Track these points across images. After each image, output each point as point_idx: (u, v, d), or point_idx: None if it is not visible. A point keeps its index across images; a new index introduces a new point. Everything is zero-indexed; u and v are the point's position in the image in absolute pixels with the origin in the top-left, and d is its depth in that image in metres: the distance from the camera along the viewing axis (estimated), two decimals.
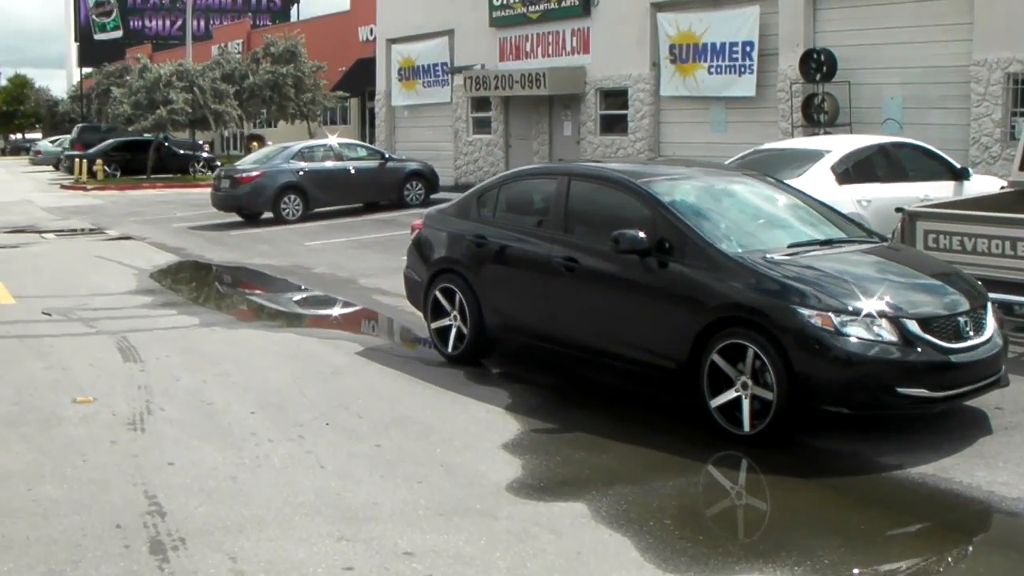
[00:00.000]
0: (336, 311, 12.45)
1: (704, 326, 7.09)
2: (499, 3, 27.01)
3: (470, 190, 9.68)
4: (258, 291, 14.12)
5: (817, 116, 19.82)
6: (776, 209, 8.22)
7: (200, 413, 7.47)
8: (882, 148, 13.11)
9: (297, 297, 13.48)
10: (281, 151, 22.63)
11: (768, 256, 7.21)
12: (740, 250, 7.27)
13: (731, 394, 6.99)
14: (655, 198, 7.74)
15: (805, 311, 6.67)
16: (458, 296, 9.06)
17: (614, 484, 6.12)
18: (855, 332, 6.60)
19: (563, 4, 25.15)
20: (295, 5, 55.23)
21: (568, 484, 6.14)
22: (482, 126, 28.02)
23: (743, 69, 21.53)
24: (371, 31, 37.13)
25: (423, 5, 29.58)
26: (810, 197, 8.79)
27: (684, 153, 22.37)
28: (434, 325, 9.36)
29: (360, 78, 37.38)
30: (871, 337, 6.60)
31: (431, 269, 9.40)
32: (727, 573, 4.97)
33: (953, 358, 6.74)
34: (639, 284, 7.54)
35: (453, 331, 9.16)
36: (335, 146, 23.36)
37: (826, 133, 19.31)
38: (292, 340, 10.23)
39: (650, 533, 5.39)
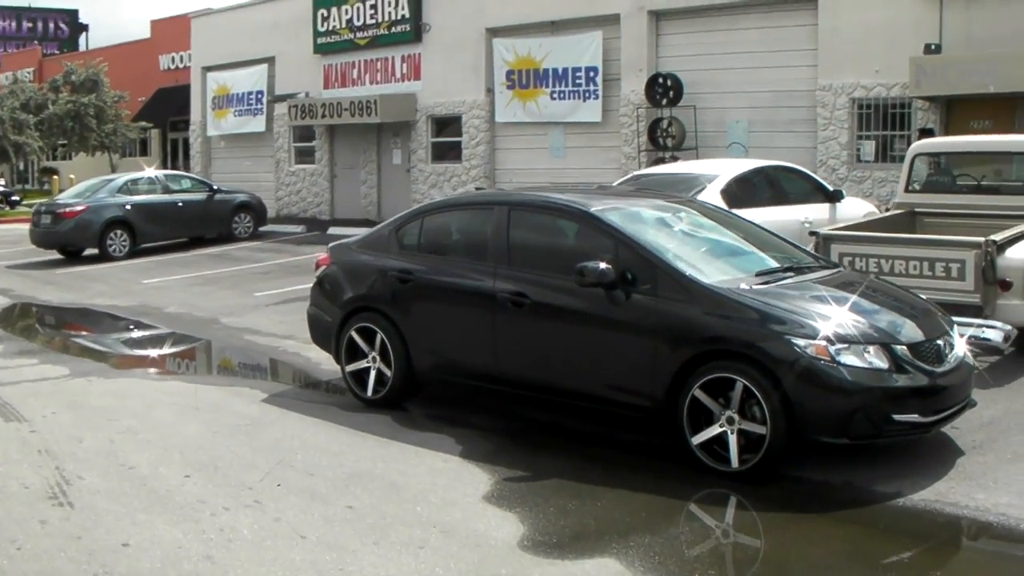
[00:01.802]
0: (217, 355, 11.42)
1: (685, 360, 6.68)
2: (324, 30, 26.18)
3: (385, 222, 8.96)
4: (117, 335, 12.85)
5: (663, 140, 19.98)
6: (727, 237, 7.91)
7: (127, 480, 6.49)
8: (762, 171, 13.17)
9: (165, 341, 12.32)
10: (104, 184, 21.10)
11: (745, 286, 6.87)
12: (714, 280, 6.90)
13: (714, 430, 6.61)
14: (617, 229, 7.29)
15: (800, 341, 6.36)
16: (379, 336, 8.34)
17: (630, 535, 5.63)
18: (850, 361, 6.34)
19: (393, 30, 24.58)
20: (84, 34, 52.32)
21: (582, 539, 5.59)
22: (305, 156, 27.04)
23: (588, 94, 21.51)
24: (173, 59, 35.51)
25: (243, 32, 28.38)
26: (750, 223, 8.55)
27: (522, 181, 22.17)
28: (350, 368, 8.60)
29: (162, 108, 35.66)
30: (865, 365, 6.36)
31: (345, 308, 8.64)
32: None
33: (940, 381, 6.58)
34: (605, 319, 7.06)
35: (373, 374, 8.43)
36: (161, 178, 22.00)
37: (673, 158, 19.50)
38: (184, 389, 9.25)
39: None
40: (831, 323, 6.50)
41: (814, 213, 12.63)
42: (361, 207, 24.97)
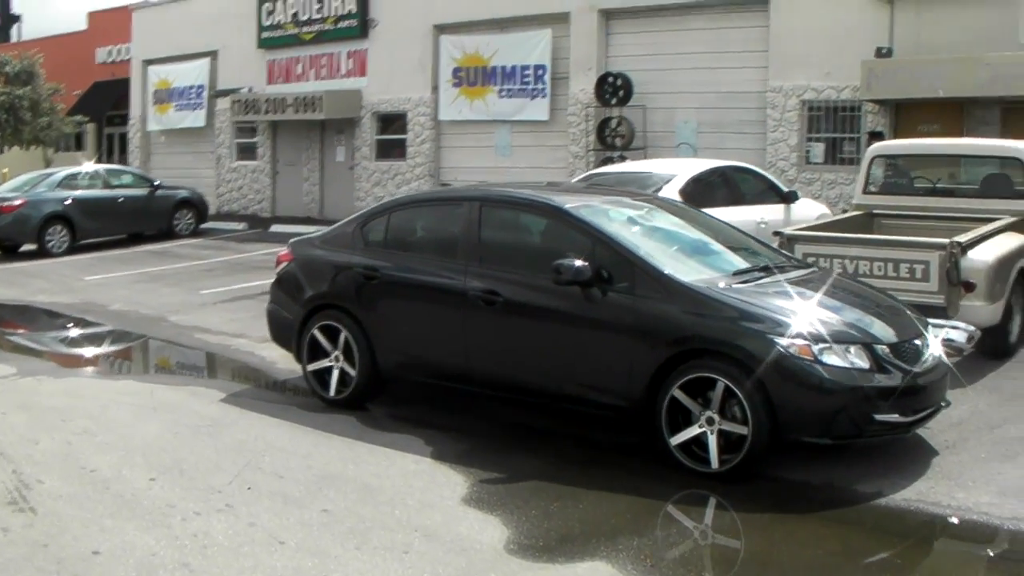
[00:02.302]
0: (169, 354, 11.08)
1: (664, 360, 6.58)
2: (269, 24, 25.76)
3: (349, 218, 8.72)
4: (62, 333, 12.43)
5: (612, 140, 19.93)
6: (699, 235, 7.81)
7: (89, 484, 6.22)
8: (719, 171, 13.14)
9: (114, 339, 11.93)
10: (43, 178, 20.52)
11: (723, 285, 6.79)
12: (693, 279, 6.80)
13: (694, 430, 6.52)
14: (592, 226, 7.16)
15: (783, 341, 6.29)
16: (343, 335, 8.13)
17: (617, 537, 5.51)
18: (832, 361, 6.29)
19: (340, 25, 24.26)
20: (16, 25, 50.92)
21: (568, 541, 5.46)
22: (247, 152, 26.57)
23: (536, 93, 21.39)
24: (110, 52, 34.72)
25: (185, 25, 27.80)
26: (719, 221, 8.49)
27: (467, 179, 22.00)
28: (311, 367, 8.37)
29: (99, 102, 34.83)
30: (847, 365, 6.30)
31: (307, 306, 8.41)
32: None
33: (919, 381, 6.55)
34: (581, 317, 6.93)
35: (335, 373, 8.22)
36: (101, 173, 21.46)
37: (621, 157, 19.48)
38: (139, 389, 8.94)
39: None
40: (813, 323, 6.44)
41: (769, 214, 12.64)
42: (303, 205, 24.61)
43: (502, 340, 7.32)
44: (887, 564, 5.43)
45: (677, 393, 6.53)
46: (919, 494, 6.19)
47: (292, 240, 9.07)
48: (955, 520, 5.85)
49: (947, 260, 9.05)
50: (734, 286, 6.82)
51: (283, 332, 8.73)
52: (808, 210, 13.72)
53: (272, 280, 8.94)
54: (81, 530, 5.41)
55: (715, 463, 6.42)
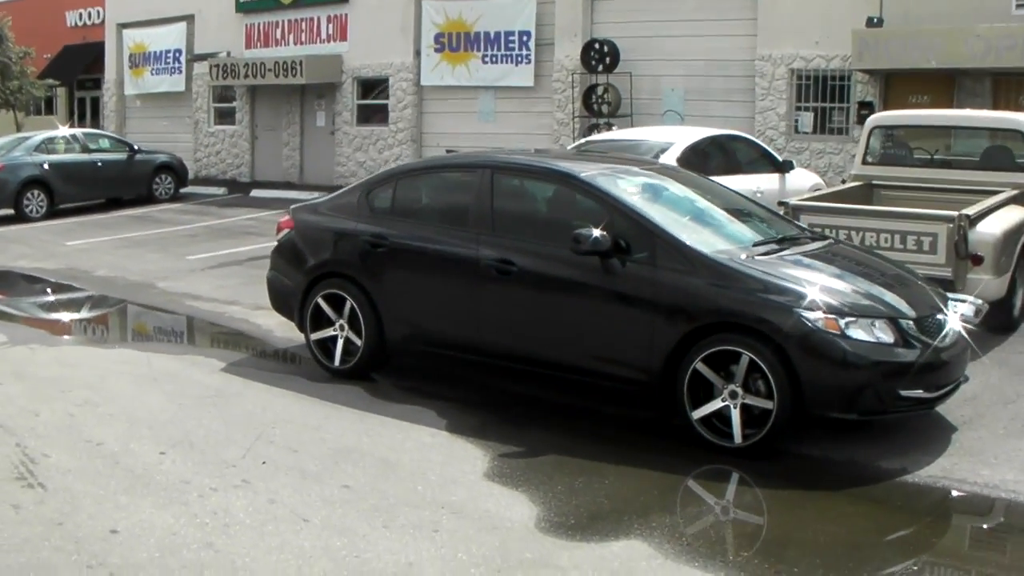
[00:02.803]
0: (162, 322, 10.84)
1: (686, 333, 6.44)
2: None
3: (353, 184, 8.52)
4: (49, 299, 12.13)
5: (599, 107, 19.75)
6: (712, 205, 7.65)
7: (98, 458, 6.02)
8: (716, 140, 13.01)
9: (103, 306, 11.66)
10: (20, 142, 20.08)
11: (745, 256, 6.66)
12: (715, 250, 6.66)
13: (716, 404, 6.40)
14: (612, 196, 7.00)
15: (810, 314, 6.17)
16: (349, 304, 7.94)
17: (649, 515, 5.40)
18: (858, 335, 6.18)
19: None
20: None
21: (599, 519, 5.33)
22: (225, 117, 26.11)
23: (520, 59, 21.16)
24: (81, 16, 33.99)
25: None
26: (730, 190, 8.35)
27: (450, 144, 21.75)
28: (315, 336, 8.18)
29: (69, 66, 34.12)
30: (872, 339, 6.20)
31: (310, 274, 8.20)
32: None
33: (943, 356, 6.46)
34: (600, 289, 6.77)
35: (340, 343, 8.04)
36: (79, 137, 21.03)
37: (608, 124, 19.32)
38: (135, 358, 8.71)
39: (742, 568, 4.67)
40: (839, 296, 6.34)
41: (764, 183, 12.54)
42: (283, 170, 24.27)
43: (516, 311, 7.16)
44: (920, 542, 5.38)
45: (700, 366, 6.40)
46: (944, 471, 6.12)
47: (293, 207, 8.86)
48: (983, 498, 5.78)
49: (955, 232, 8.95)
50: (756, 258, 6.69)
51: (284, 300, 8.53)
52: (802, 180, 13.63)
53: (272, 247, 8.70)
54: (95, 507, 5.22)
55: (738, 438, 6.31)
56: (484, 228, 7.34)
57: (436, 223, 7.77)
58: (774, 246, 7.03)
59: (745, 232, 7.24)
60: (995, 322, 9.33)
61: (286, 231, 8.52)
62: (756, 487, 5.94)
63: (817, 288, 6.37)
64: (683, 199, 7.51)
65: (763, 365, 6.20)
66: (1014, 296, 9.62)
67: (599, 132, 19.50)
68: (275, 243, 8.67)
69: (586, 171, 7.30)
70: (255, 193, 22.40)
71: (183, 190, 22.31)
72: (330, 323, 8.09)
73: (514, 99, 21.31)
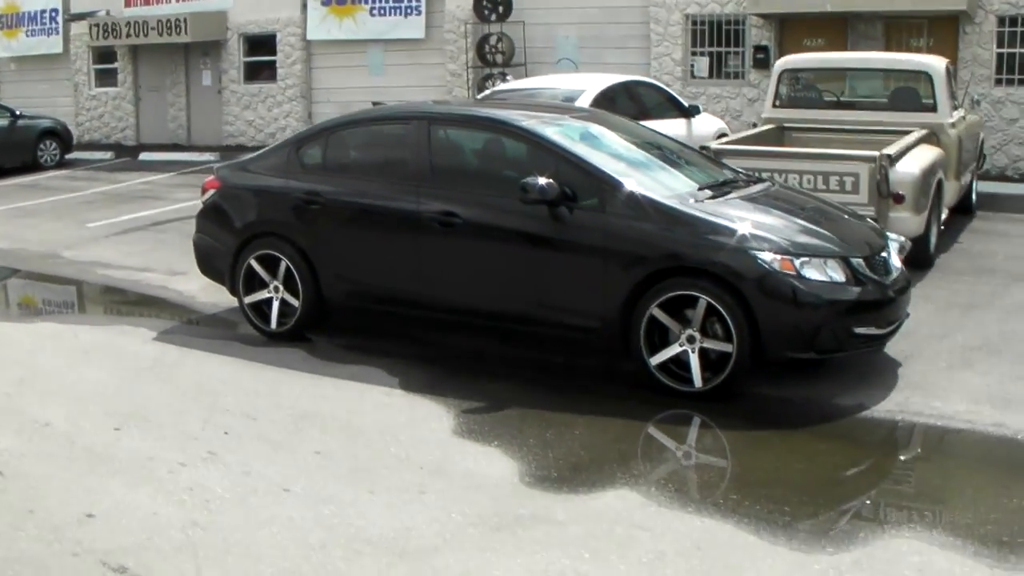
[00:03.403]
0: (79, 293, 10.35)
1: (640, 279, 6.44)
2: None
3: (280, 141, 8.24)
4: None
5: (492, 57, 19.58)
6: (650, 151, 7.63)
7: (49, 439, 5.72)
8: (625, 86, 13.05)
9: (12, 278, 11.07)
10: None
11: (692, 201, 6.66)
12: (663, 196, 6.65)
13: (673, 349, 6.43)
14: (556, 143, 6.93)
15: (765, 256, 6.23)
16: (284, 264, 7.72)
17: (629, 463, 5.47)
18: (813, 275, 6.26)
19: None
20: None
21: (581, 470, 5.33)
22: (107, 78, 25.00)
23: (409, 10, 20.79)
24: None
25: None
26: (663, 135, 8.36)
27: (341, 100, 21.33)
28: (249, 300, 7.95)
29: None
30: (825, 279, 6.29)
31: (240, 235, 7.93)
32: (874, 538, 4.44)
33: (890, 293, 6.60)
34: (549, 238, 6.71)
35: (275, 304, 7.82)
36: None
37: (502, 74, 19.20)
38: (60, 331, 8.33)
39: (745, 514, 4.74)
40: (791, 237, 6.41)
41: (671, 128, 12.57)
42: (170, 131, 23.46)
43: (461, 264, 7.06)
44: (894, 474, 5.54)
45: (656, 312, 6.41)
46: (899, 405, 6.28)
47: (217, 167, 8.54)
48: (942, 428, 5.97)
49: (877, 172, 9.16)
50: (705, 202, 6.71)
51: (213, 264, 8.25)
52: (707, 125, 13.78)
53: (198, 210, 8.39)
54: (63, 491, 4.96)
55: (698, 382, 6.35)
56: (423, 181, 7.20)
57: (372, 177, 7.58)
58: (718, 190, 7.05)
59: (686, 177, 7.24)
60: (914, 258, 9.60)
61: (211, 192, 8.21)
62: (721, 430, 6.01)
63: (769, 230, 6.43)
64: (621, 145, 7.47)
65: (721, 308, 6.23)
66: (930, 233, 9.90)
67: (493, 82, 19.41)
68: (200, 205, 8.33)
69: (526, 120, 7.21)
70: (144, 156, 21.62)
71: (68, 156, 21.37)
72: (263, 285, 7.86)
73: (404, 51, 20.95)
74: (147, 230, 13.10)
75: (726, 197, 6.91)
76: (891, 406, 6.27)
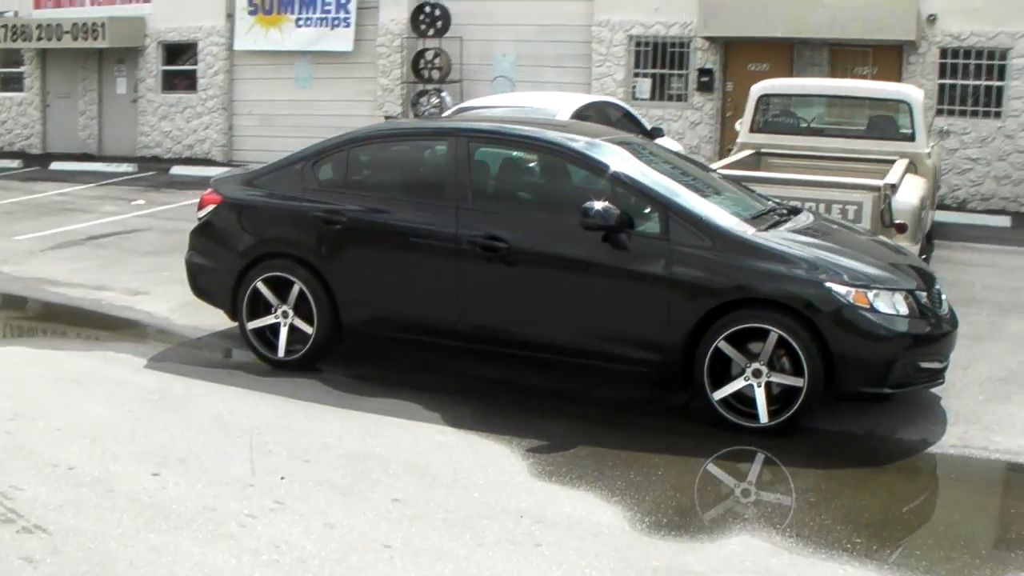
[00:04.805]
0: (39, 314, 9.52)
1: (709, 310, 6.13)
2: None
3: (290, 155, 7.65)
4: None
5: (428, 72, 19.16)
6: (693, 177, 7.31)
7: (83, 486, 5.07)
8: (593, 106, 12.77)
9: None
10: None
11: (756, 230, 6.39)
12: (728, 224, 6.35)
13: (738, 384, 6.14)
14: (613, 167, 6.57)
15: (840, 289, 5.99)
16: (296, 288, 7.17)
17: (729, 505, 5.26)
18: (884, 308, 6.06)
19: None
20: None
21: (688, 514, 5.05)
22: (12, 83, 23.62)
23: (337, 22, 20.20)
24: None
25: None
26: (691, 160, 8.09)
27: (264, 113, 20.67)
28: (253, 325, 7.36)
29: None
30: (894, 312, 6.10)
31: (247, 256, 7.34)
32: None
33: (946, 327, 6.45)
34: (606, 266, 6.35)
35: (283, 331, 7.26)
36: None
37: (437, 90, 18.83)
38: (35, 357, 7.59)
39: (880, 559, 4.48)
40: (860, 270, 6.20)
41: None
42: (80, 140, 22.27)
43: (506, 291, 6.65)
44: (1001, 515, 5.32)
45: (722, 345, 6.11)
46: (961, 440, 6.15)
47: (216, 180, 7.92)
48: (1016, 464, 5.87)
49: (880, 201, 9.04)
50: (769, 231, 6.44)
51: (211, 286, 7.64)
52: (669, 146, 13.58)
53: (194, 226, 7.78)
54: (125, 551, 4.35)
55: (764, 417, 6.08)
56: (462, 202, 6.76)
57: (401, 196, 7.11)
58: (769, 219, 6.80)
59: (736, 205, 6.96)
60: None
61: (211, 207, 7.60)
62: (799, 467, 5.72)
63: (839, 262, 6.20)
64: (666, 171, 7.12)
65: (794, 342, 5.98)
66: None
67: (428, 99, 19.00)
68: (196, 221, 7.72)
69: (575, 140, 6.83)
70: (55, 166, 20.46)
71: None
72: (268, 310, 7.29)
73: (334, 64, 20.34)
74: (84, 244, 12.28)
75: (783, 227, 6.65)
76: (954, 440, 6.13)
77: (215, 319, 8.13)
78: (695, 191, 6.79)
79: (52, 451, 5.54)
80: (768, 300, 6.06)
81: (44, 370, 7.17)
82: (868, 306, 6.00)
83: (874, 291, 6.06)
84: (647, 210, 6.38)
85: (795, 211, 7.30)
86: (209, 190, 7.71)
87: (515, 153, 7.11)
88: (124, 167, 19.88)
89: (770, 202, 7.36)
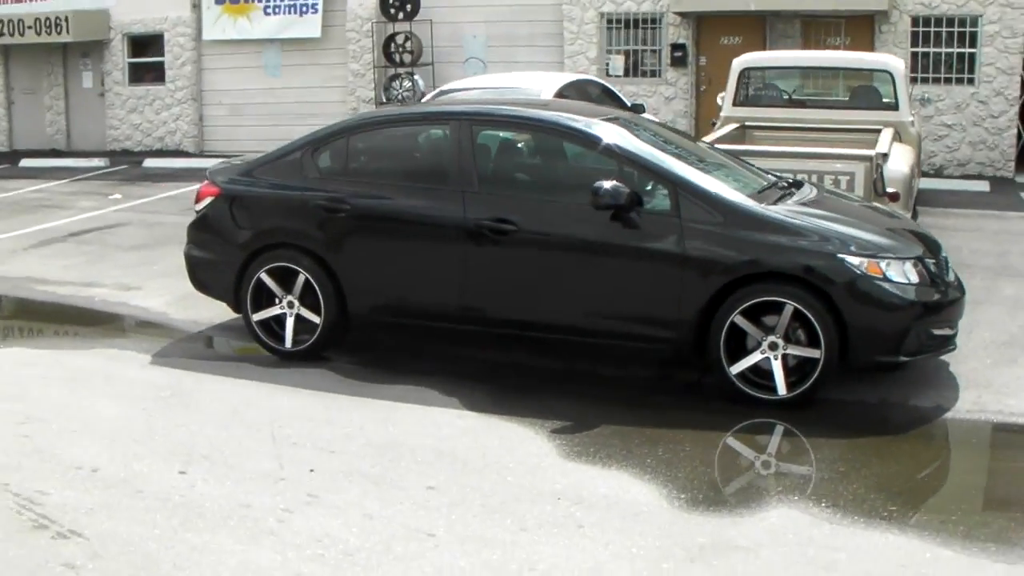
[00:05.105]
0: (31, 313, 9.35)
1: (722, 285, 6.14)
2: None
3: (288, 144, 7.56)
4: None
5: (399, 56, 19.05)
6: (695, 154, 7.31)
7: (111, 487, 4.99)
8: (575, 85, 12.71)
9: None
10: None
11: (765, 204, 6.40)
12: (738, 198, 6.36)
13: (755, 357, 6.16)
14: (621, 146, 6.55)
15: (853, 260, 6.02)
16: (302, 277, 7.10)
17: (759, 477, 5.31)
18: (896, 277, 6.09)
19: None
20: None
21: (722, 489, 5.15)
22: None
23: (305, 9, 20.00)
24: None
25: None
26: (687, 136, 8.07)
27: (234, 102, 20.45)
28: (258, 317, 7.28)
29: None
30: (907, 281, 6.14)
31: (249, 247, 7.26)
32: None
33: (955, 294, 6.50)
34: (618, 245, 6.34)
35: (290, 321, 7.20)
36: None
37: (409, 74, 18.74)
38: (37, 357, 7.46)
39: (919, 526, 4.54)
40: (870, 240, 6.23)
41: None
42: (47, 136, 21.94)
43: (517, 274, 6.62)
44: (1010, 475, 5.41)
45: (738, 319, 6.12)
46: (976, 405, 6.21)
47: (212, 171, 7.81)
48: None
49: (873, 171, 9.09)
50: (778, 204, 6.45)
51: (212, 279, 7.55)
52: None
53: (193, 219, 7.68)
54: (166, 553, 4.29)
55: (782, 389, 6.11)
56: (468, 186, 6.71)
57: (405, 181, 7.06)
58: (776, 192, 6.81)
59: (741, 179, 6.97)
60: None
61: (209, 199, 7.49)
62: (821, 437, 5.74)
63: (850, 233, 6.24)
64: (668, 148, 7.10)
65: (810, 314, 6.01)
66: None
67: (401, 83, 18.89)
68: (195, 213, 7.62)
69: (578, 120, 6.80)
70: (25, 163, 20.15)
71: None
72: (272, 301, 7.22)
73: (303, 51, 20.14)
74: (66, 242, 12.11)
75: (791, 200, 6.66)
76: (969, 406, 6.19)
77: (212, 312, 8.06)
78: (701, 167, 6.79)
79: (72, 453, 5.47)
80: (781, 273, 6.07)
81: (47, 370, 7.08)
82: (881, 276, 6.03)
83: (886, 260, 6.09)
84: (656, 188, 6.38)
85: (797, 184, 7.31)
86: (206, 182, 7.61)
87: (520, 135, 7.08)
88: (96, 162, 19.60)
89: (770, 176, 7.36)
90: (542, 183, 6.89)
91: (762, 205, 6.34)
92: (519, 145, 7.13)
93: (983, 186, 15.14)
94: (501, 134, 7.06)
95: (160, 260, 10.62)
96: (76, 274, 10.23)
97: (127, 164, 19.61)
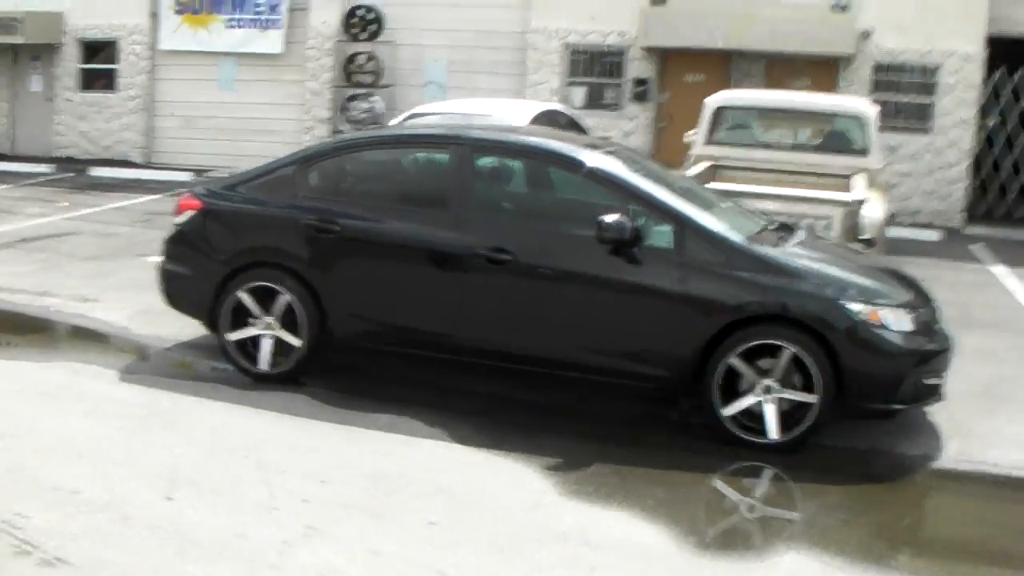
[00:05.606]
0: None
1: (721, 327, 6.07)
2: None
3: (277, 159, 7.37)
4: None
5: (360, 77, 18.91)
6: (692, 191, 7.25)
7: (96, 512, 4.75)
8: (545, 115, 12.64)
9: None
10: None
11: (772, 246, 6.37)
12: (740, 239, 6.32)
13: (748, 400, 6.10)
14: (624, 180, 6.50)
15: (855, 306, 6.01)
16: (283, 298, 6.91)
17: (764, 522, 5.25)
18: (893, 324, 6.08)
19: None
20: None
21: (731, 533, 5.11)
22: None
23: (268, 23, 19.77)
24: None
25: None
26: (679, 174, 8.04)
27: (186, 115, 20.11)
28: (234, 336, 7.07)
29: None
30: (902, 329, 6.14)
31: (229, 264, 7.04)
32: None
33: (944, 343, 6.52)
34: (617, 280, 6.26)
35: (269, 343, 7.00)
36: None
37: (367, 95, 18.60)
38: None
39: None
40: (868, 287, 6.23)
41: None
42: None
43: (511, 304, 6.50)
44: (1008, 527, 5.42)
45: (735, 361, 6.06)
46: (961, 455, 6.25)
47: (195, 184, 7.60)
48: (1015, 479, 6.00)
49: (849, 216, 9.15)
50: (779, 247, 6.43)
51: (187, 295, 7.30)
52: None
53: (170, 233, 7.43)
54: None
55: (774, 434, 6.06)
56: (464, 212, 6.59)
57: (399, 205, 6.91)
58: (776, 234, 6.79)
59: (737, 219, 6.92)
60: None
61: (189, 213, 7.27)
62: (814, 483, 5.70)
63: (846, 278, 6.23)
64: (667, 185, 7.02)
65: (808, 359, 5.97)
66: None
67: (359, 103, 18.69)
68: (174, 227, 7.38)
69: (580, 151, 6.72)
70: None
71: None
72: (249, 321, 7.01)
73: (261, 67, 19.90)
74: (15, 248, 11.73)
75: (790, 242, 6.64)
76: (954, 455, 6.23)
77: (175, 328, 7.85)
78: (702, 207, 6.74)
79: (49, 473, 5.22)
80: (782, 316, 6.03)
81: (10, 383, 6.78)
82: (880, 323, 6.02)
83: (885, 308, 6.08)
84: (659, 224, 6.31)
85: (790, 226, 7.29)
86: (188, 195, 7.38)
87: (519, 163, 6.98)
88: (42, 167, 19.13)
89: (761, 217, 7.34)
90: (540, 213, 6.79)
91: (764, 246, 6.30)
92: (518, 173, 7.02)
93: (935, 235, 15.37)
94: (501, 161, 6.95)
95: (116, 272, 10.33)
96: (29, 282, 9.87)
97: (73, 172, 19.15)
